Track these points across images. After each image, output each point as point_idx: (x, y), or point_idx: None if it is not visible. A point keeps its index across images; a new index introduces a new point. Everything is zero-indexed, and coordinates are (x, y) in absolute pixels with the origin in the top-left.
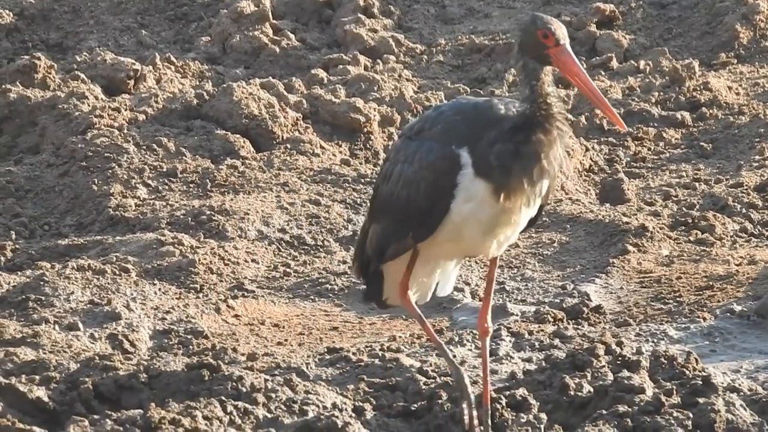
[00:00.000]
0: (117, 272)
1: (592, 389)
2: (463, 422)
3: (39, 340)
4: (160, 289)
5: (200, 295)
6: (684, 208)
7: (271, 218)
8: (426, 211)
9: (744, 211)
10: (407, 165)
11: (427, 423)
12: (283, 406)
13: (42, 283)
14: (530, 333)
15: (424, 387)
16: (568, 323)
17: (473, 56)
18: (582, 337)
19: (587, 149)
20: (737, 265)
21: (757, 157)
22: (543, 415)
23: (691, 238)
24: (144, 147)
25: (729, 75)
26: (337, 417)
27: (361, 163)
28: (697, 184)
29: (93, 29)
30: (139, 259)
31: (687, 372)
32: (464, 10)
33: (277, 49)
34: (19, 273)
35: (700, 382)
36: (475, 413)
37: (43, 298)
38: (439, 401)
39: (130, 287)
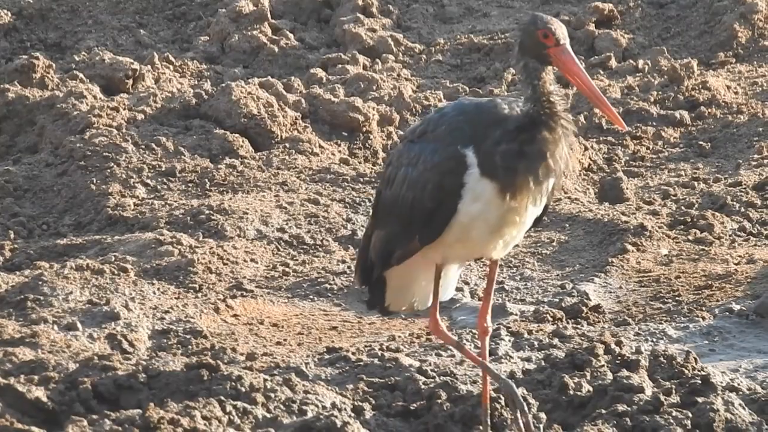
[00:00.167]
0: (115, 272)
1: (591, 389)
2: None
3: (38, 340)
4: (158, 289)
5: (199, 294)
6: (683, 207)
7: (270, 218)
8: (433, 213)
9: (743, 210)
10: (411, 168)
11: (426, 423)
12: (282, 406)
13: (40, 282)
14: (529, 332)
15: (423, 387)
16: (567, 323)
17: (472, 55)
18: (581, 337)
19: (586, 148)
20: (736, 264)
21: (755, 156)
22: (542, 415)
23: (690, 238)
24: (143, 146)
25: (727, 74)
26: (336, 417)
27: (360, 163)
28: (695, 183)
29: (91, 29)
30: (137, 258)
31: (686, 371)
32: (463, 9)
33: (276, 49)
34: (18, 273)
35: (699, 382)
36: (530, 419)
37: (41, 297)
38: (439, 401)
39: (129, 287)
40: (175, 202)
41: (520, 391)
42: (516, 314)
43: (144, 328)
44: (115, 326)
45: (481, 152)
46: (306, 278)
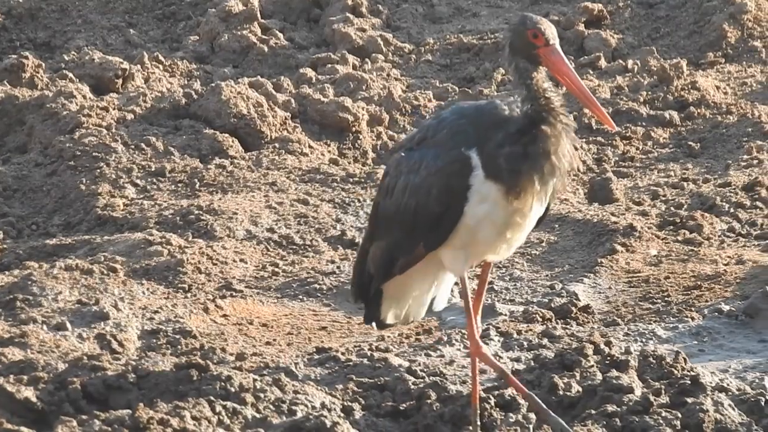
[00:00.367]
0: (105, 272)
1: (580, 389)
2: None
3: (27, 340)
4: (148, 289)
5: (188, 294)
6: (672, 208)
7: (260, 218)
8: (439, 217)
9: (732, 210)
10: (413, 175)
11: (415, 423)
12: (271, 406)
13: (30, 282)
14: (519, 333)
15: (412, 387)
16: (557, 323)
17: (461, 55)
18: (570, 337)
19: (575, 148)
20: (725, 264)
21: (745, 157)
22: (532, 415)
23: (679, 238)
24: (132, 146)
25: (717, 74)
26: (325, 417)
27: (349, 163)
28: (685, 183)
29: (81, 28)
30: (127, 258)
31: (675, 372)
32: (452, 9)
33: (266, 49)
34: (7, 273)
35: (689, 382)
36: None
37: (30, 297)
38: (428, 401)
39: (118, 287)
40: (165, 202)
41: (509, 391)
42: (505, 314)
43: (133, 328)
44: (104, 326)
45: (484, 154)
46: (295, 278)
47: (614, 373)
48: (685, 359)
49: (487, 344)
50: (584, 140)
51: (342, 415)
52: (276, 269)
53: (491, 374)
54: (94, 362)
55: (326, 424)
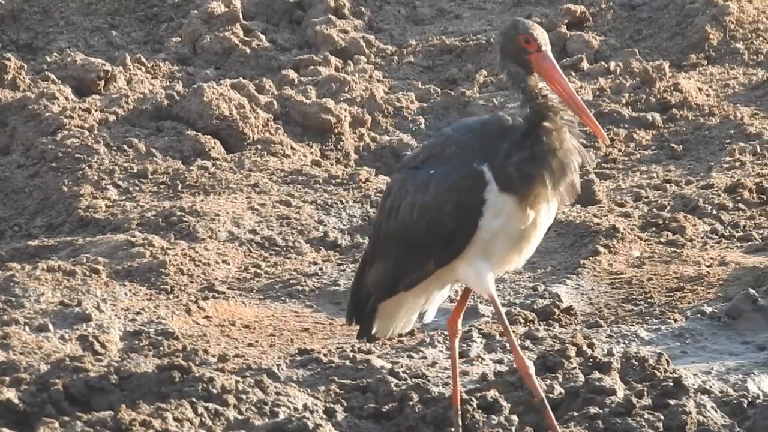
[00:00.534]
0: (87, 273)
1: (563, 391)
2: None
3: (9, 341)
4: (130, 290)
5: (171, 296)
6: (655, 210)
7: (242, 219)
8: (451, 233)
9: (714, 212)
10: (421, 194)
11: (398, 424)
12: (254, 408)
13: (12, 284)
14: (501, 334)
15: (395, 388)
16: (539, 324)
17: (444, 57)
18: (553, 339)
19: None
20: (708, 266)
21: (727, 159)
22: (514, 417)
23: (662, 240)
24: (114, 148)
25: (699, 76)
26: (308, 418)
27: (331, 164)
28: (667, 185)
29: (63, 30)
30: (109, 260)
31: (658, 373)
32: (435, 11)
33: (248, 50)
34: None
35: (671, 384)
36: None
37: (13, 299)
38: (410, 402)
39: (101, 288)
40: (147, 203)
41: (491, 393)
42: (488, 316)
43: (115, 329)
44: (86, 327)
45: (495, 167)
46: (278, 280)
47: (597, 374)
48: (667, 361)
49: (468, 346)
50: None
51: (324, 416)
52: (258, 271)
53: (474, 376)
54: (76, 363)
55: (308, 425)
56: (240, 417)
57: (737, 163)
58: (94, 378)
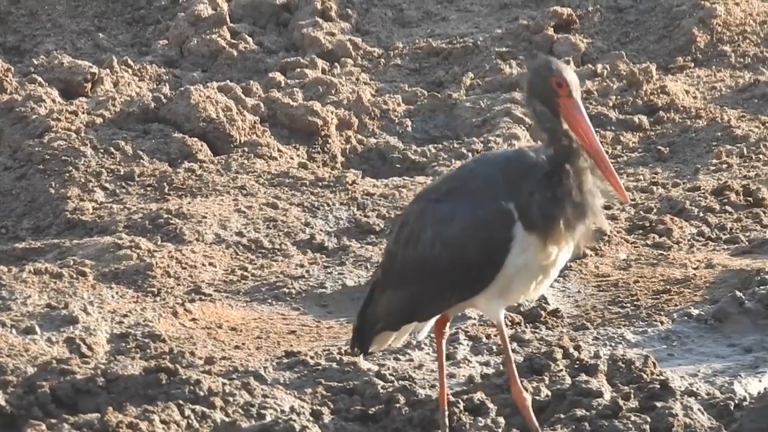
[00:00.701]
0: (74, 276)
1: (549, 393)
2: None
3: None
4: (117, 293)
5: (157, 298)
6: (641, 212)
7: (229, 222)
8: (480, 268)
9: (701, 215)
10: (444, 227)
11: (384, 427)
12: (240, 410)
13: None
14: (488, 337)
15: (381, 391)
16: (526, 327)
17: (431, 59)
18: (540, 341)
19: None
20: (694, 269)
21: (714, 161)
22: (501, 419)
23: (649, 242)
24: (101, 150)
25: (686, 79)
26: (294, 421)
27: (318, 167)
28: (654, 187)
29: (50, 32)
30: (96, 262)
31: (645, 376)
32: (422, 13)
33: (235, 53)
34: None
35: (658, 386)
36: None
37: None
38: (397, 405)
39: (88, 291)
40: (134, 206)
41: (478, 395)
42: (474, 318)
43: (102, 331)
44: (73, 330)
45: (519, 205)
46: (264, 282)
47: (583, 377)
48: (654, 363)
49: (455, 348)
50: None
51: (311, 419)
52: (245, 273)
53: (460, 378)
54: (63, 366)
55: (295, 428)
56: (227, 419)
57: (724, 166)
58: (81, 380)
